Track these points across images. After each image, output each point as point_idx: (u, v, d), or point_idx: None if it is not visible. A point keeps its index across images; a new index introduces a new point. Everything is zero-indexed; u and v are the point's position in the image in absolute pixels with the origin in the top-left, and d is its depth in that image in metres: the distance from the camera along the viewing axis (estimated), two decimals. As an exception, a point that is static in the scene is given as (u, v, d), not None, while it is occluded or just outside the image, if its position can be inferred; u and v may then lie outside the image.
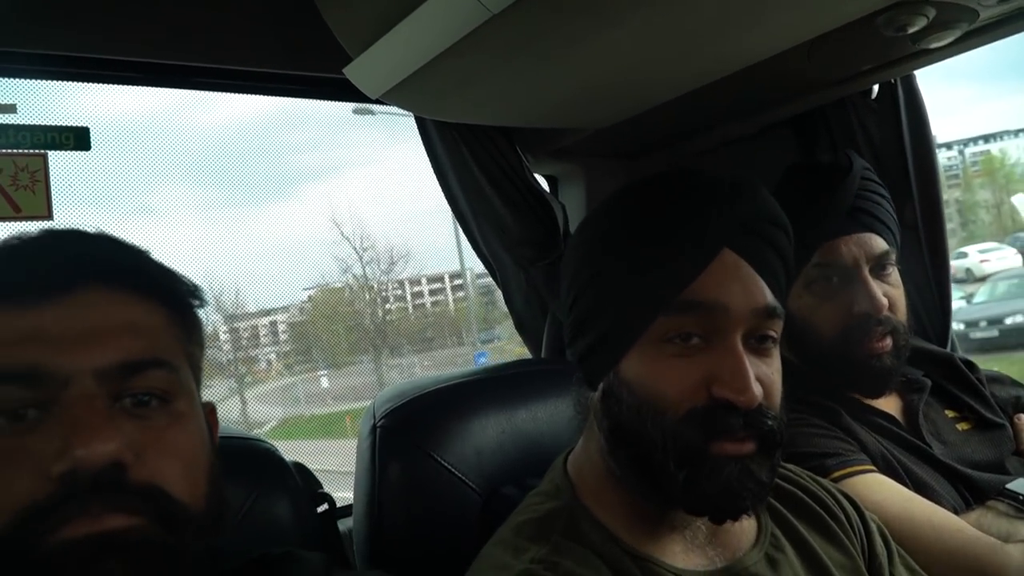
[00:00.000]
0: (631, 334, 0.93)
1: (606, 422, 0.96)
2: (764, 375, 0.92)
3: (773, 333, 0.95)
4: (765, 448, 0.91)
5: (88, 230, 0.83)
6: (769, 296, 0.94)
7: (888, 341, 1.39)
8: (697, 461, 0.88)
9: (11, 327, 0.72)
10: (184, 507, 0.74)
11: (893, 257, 1.44)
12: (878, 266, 1.42)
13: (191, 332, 0.85)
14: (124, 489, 0.70)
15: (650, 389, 0.91)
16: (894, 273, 1.45)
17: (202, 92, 1.62)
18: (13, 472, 0.68)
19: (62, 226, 0.83)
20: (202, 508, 0.77)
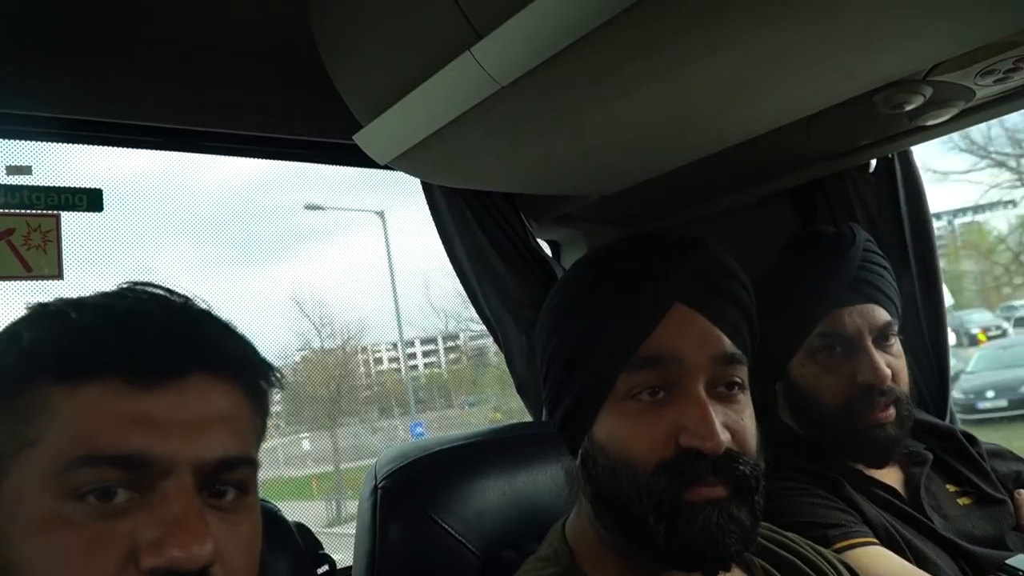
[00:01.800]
0: (597, 396, 0.96)
1: (588, 488, 0.98)
2: (733, 422, 0.94)
3: (738, 379, 0.97)
4: (740, 492, 0.91)
5: (193, 303, 0.79)
6: (727, 343, 0.96)
7: (891, 411, 1.40)
8: (673, 511, 0.89)
9: (121, 407, 0.69)
10: None
11: (895, 327, 1.46)
12: (881, 336, 1.43)
13: (264, 418, 0.83)
14: None
15: (621, 448, 0.93)
16: (896, 343, 1.46)
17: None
18: (100, 556, 0.66)
19: (153, 286, 0.78)
20: None
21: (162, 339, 0.72)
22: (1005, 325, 13.67)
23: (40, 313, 0.75)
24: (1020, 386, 10.15)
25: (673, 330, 0.95)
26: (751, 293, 1.03)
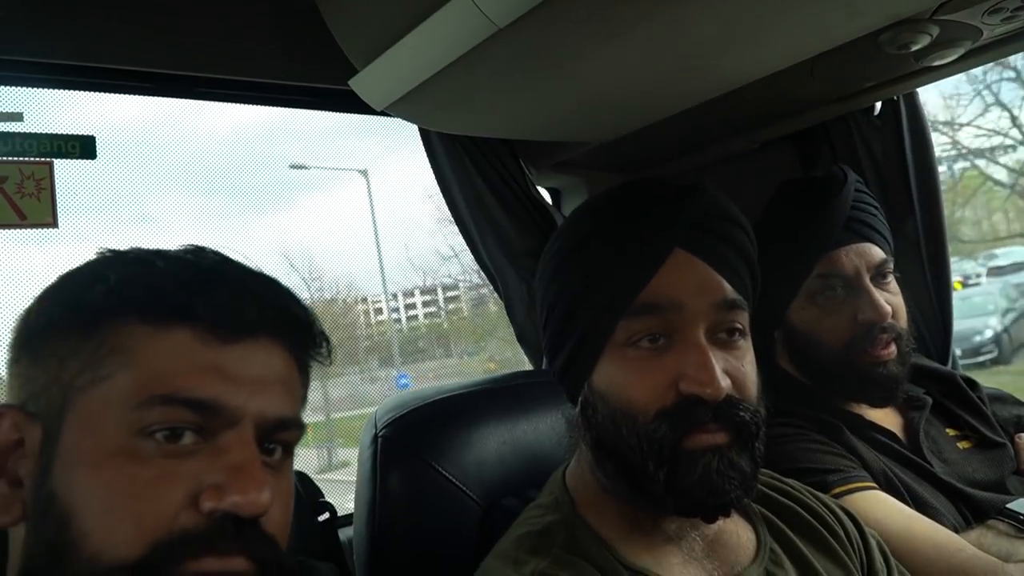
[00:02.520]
0: (596, 343, 0.96)
1: (588, 435, 0.98)
2: (734, 368, 0.94)
3: (739, 325, 0.96)
4: (740, 439, 0.92)
5: (262, 272, 0.83)
6: (728, 289, 0.96)
7: (893, 348, 1.41)
8: (673, 458, 0.89)
9: (202, 355, 0.72)
10: (282, 557, 0.76)
11: (891, 265, 1.46)
12: (878, 274, 1.44)
13: (307, 387, 0.86)
14: (257, 537, 0.71)
15: (621, 396, 0.93)
16: (893, 281, 1.47)
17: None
18: (164, 491, 0.68)
19: (211, 248, 0.82)
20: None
21: (244, 298, 0.77)
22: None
23: (120, 259, 0.78)
24: (973, 336, 10.27)
25: (673, 276, 0.94)
26: (752, 238, 1.02)
